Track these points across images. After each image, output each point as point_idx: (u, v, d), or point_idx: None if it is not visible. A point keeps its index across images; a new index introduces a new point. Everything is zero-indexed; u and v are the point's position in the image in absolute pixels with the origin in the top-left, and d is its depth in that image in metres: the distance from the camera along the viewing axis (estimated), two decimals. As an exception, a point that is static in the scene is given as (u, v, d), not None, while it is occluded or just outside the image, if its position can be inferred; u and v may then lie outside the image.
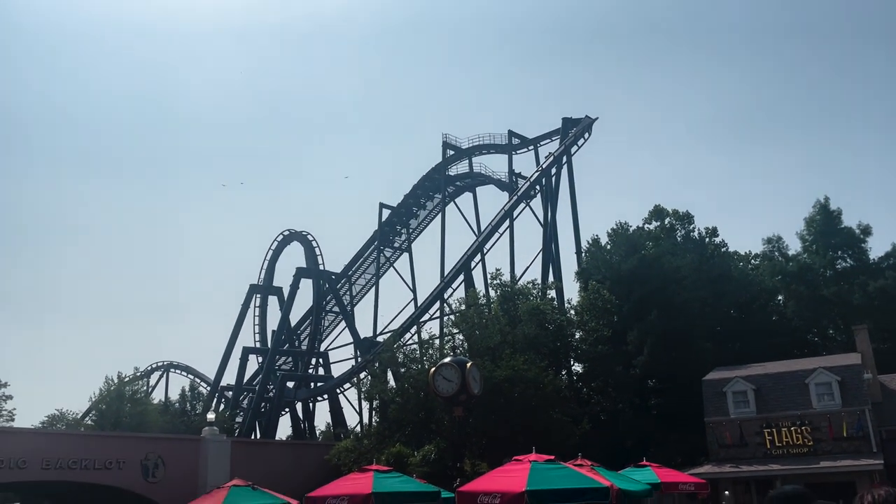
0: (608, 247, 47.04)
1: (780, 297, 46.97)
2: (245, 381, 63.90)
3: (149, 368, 73.31)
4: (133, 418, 51.14)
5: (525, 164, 78.06)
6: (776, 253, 48.54)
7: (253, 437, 57.57)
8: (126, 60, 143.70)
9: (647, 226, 48.14)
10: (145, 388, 68.09)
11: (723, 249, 47.49)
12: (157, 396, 68.42)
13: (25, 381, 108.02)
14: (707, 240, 47.34)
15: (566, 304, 47.68)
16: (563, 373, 42.34)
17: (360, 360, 59.98)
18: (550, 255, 56.97)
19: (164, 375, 74.46)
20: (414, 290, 67.27)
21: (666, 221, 48.29)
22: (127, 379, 55.87)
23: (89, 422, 55.49)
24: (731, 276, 44.55)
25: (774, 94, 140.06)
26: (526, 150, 65.62)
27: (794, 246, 48.64)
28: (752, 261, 49.20)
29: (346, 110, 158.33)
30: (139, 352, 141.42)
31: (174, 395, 68.86)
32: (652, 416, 38.99)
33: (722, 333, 41.94)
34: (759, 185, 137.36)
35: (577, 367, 44.04)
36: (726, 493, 28.87)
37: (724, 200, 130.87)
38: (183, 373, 74.60)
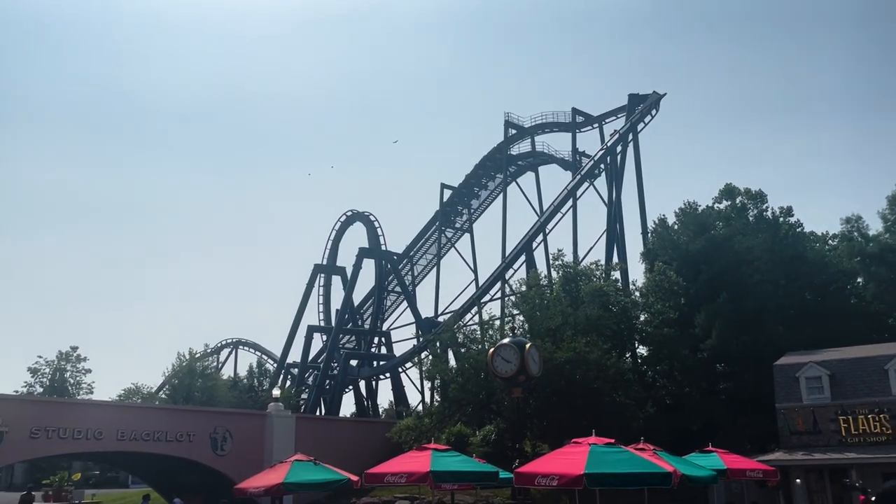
0: (675, 227, 45.62)
1: (859, 280, 44.68)
2: (310, 358, 65.26)
3: (219, 345, 75.75)
4: (203, 393, 52.96)
5: (589, 142, 76.71)
6: (855, 233, 46.12)
7: (317, 413, 58.82)
8: (203, 47, 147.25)
9: (716, 205, 46.43)
10: (215, 364, 70.43)
11: (798, 230, 45.40)
12: (227, 372, 70.77)
13: (104, 356, 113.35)
14: (781, 220, 45.32)
15: (631, 286, 46.60)
16: (627, 355, 41.49)
17: (421, 339, 60.36)
18: (615, 236, 55.82)
19: (233, 352, 76.83)
20: (475, 271, 67.19)
21: (737, 201, 46.42)
22: (198, 355, 57.89)
23: (163, 396, 57.75)
24: (806, 258, 42.60)
25: (852, 70, 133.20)
26: (590, 128, 64.28)
27: (874, 226, 46.16)
28: (830, 241, 46.90)
29: (408, 91, 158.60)
30: (210, 329, 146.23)
31: (242, 372, 71.04)
32: (720, 400, 37.83)
33: (795, 317, 40.19)
34: (838, 163, 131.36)
35: (642, 350, 43.10)
36: (798, 481, 27.80)
37: (799, 179, 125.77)
38: (251, 350, 76.79)
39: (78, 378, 58.98)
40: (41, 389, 56.60)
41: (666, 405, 37.32)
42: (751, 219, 45.47)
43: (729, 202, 46.51)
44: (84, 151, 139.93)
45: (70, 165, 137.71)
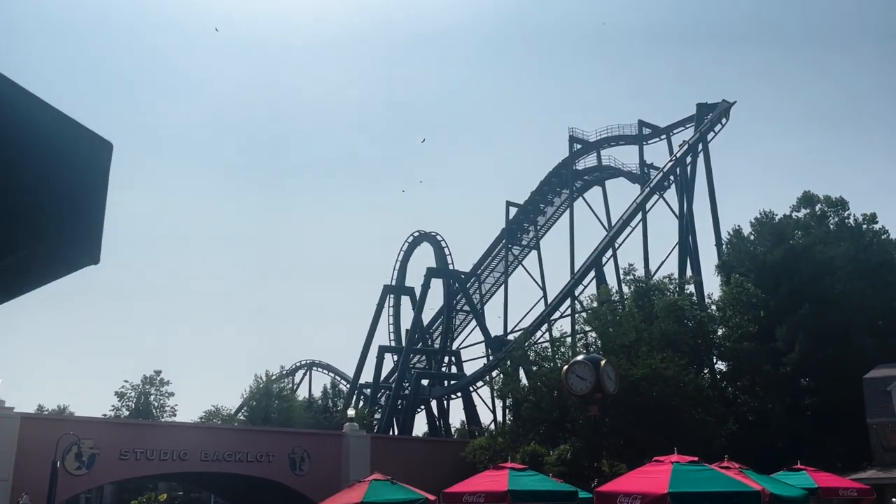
0: (751, 238, 44.37)
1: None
2: (382, 378, 65.89)
3: (294, 367, 77.31)
4: (280, 414, 54.08)
5: (657, 154, 75.29)
6: (947, 239, 43.81)
7: (391, 433, 59.26)
8: (272, 69, 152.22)
9: (794, 214, 44.91)
10: (290, 385, 71.84)
11: (883, 237, 43.46)
12: (302, 393, 72.10)
13: (185, 379, 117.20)
14: (864, 227, 43.48)
15: (706, 300, 45.48)
16: (705, 371, 40.40)
17: (491, 358, 60.18)
18: (687, 249, 54.56)
19: (308, 373, 78.28)
20: (543, 288, 66.68)
21: (817, 209, 44.78)
22: (274, 377, 59.19)
23: (241, 417, 59.25)
24: (893, 265, 40.69)
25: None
26: (658, 139, 63.23)
27: (968, 230, 43.75)
28: (919, 248, 44.66)
29: (470, 109, 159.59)
30: (285, 351, 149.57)
31: (316, 392, 72.29)
32: (806, 416, 36.35)
33: (884, 328, 38.37)
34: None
35: (721, 366, 41.88)
36: (893, 500, 26.40)
37: (882, 184, 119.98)
38: (324, 371, 78.10)
39: (162, 401, 61.11)
40: (127, 413, 58.89)
41: (749, 422, 36.12)
42: (832, 227, 43.78)
43: (808, 210, 44.91)
44: (150, 177, 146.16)
45: (140, 191, 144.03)
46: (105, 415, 56.36)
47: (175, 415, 60.75)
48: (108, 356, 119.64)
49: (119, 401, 59.67)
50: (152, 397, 60.73)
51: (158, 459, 30.77)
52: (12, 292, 1.97)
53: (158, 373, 61.30)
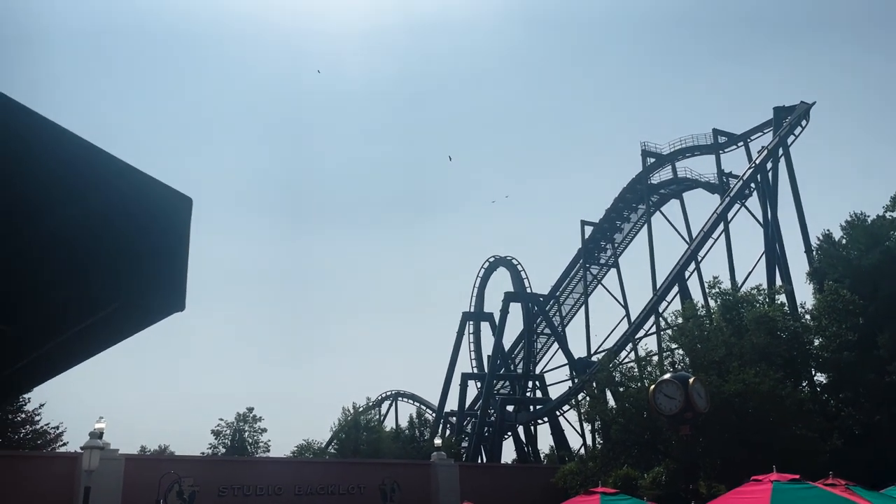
0: (843, 242, 42.38)
1: None
2: (466, 406, 65.77)
3: (379, 398, 78.10)
4: (369, 445, 54.64)
5: (735, 162, 73.04)
6: None
7: (478, 461, 58.92)
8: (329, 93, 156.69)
9: (889, 214, 42.65)
10: (377, 416, 72.53)
11: None
12: (389, 424, 72.66)
13: (276, 414, 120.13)
14: (967, 221, 40.86)
15: (799, 309, 43.58)
16: (804, 384, 38.54)
17: (576, 380, 59.21)
18: (775, 257, 52.51)
19: (393, 404, 78.91)
20: (626, 306, 65.40)
21: (912, 206, 42.45)
22: (361, 409, 59.95)
23: (332, 450, 60.18)
24: None
25: None
26: (735, 147, 61.46)
27: None
28: None
29: (539, 128, 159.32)
30: (370, 383, 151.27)
31: (403, 422, 72.68)
32: (918, 428, 34.07)
33: None
34: None
35: (820, 378, 39.88)
36: None
37: None
38: (409, 401, 78.56)
39: (255, 437, 62.76)
40: (224, 450, 60.71)
41: (854, 436, 34.16)
42: (931, 224, 41.32)
43: (902, 209, 42.57)
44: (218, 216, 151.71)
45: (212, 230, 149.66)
46: (203, 453, 58.32)
47: (269, 450, 62.24)
48: (204, 396, 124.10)
49: (215, 438, 61.62)
50: (246, 434, 62.46)
51: (255, 494, 31.59)
52: (112, 339, 2.17)
53: (251, 409, 63.08)
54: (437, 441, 45.39)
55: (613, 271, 68.13)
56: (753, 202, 56.14)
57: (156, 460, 39.92)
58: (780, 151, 55.41)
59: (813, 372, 39.88)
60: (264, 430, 62.91)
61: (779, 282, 49.94)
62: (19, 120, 1.59)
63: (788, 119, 56.35)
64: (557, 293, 70.31)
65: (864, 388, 35.65)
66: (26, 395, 34.97)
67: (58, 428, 38.92)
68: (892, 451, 31.83)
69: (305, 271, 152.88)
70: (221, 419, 62.15)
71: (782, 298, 44.42)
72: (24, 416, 37.28)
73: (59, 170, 1.65)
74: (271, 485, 31.99)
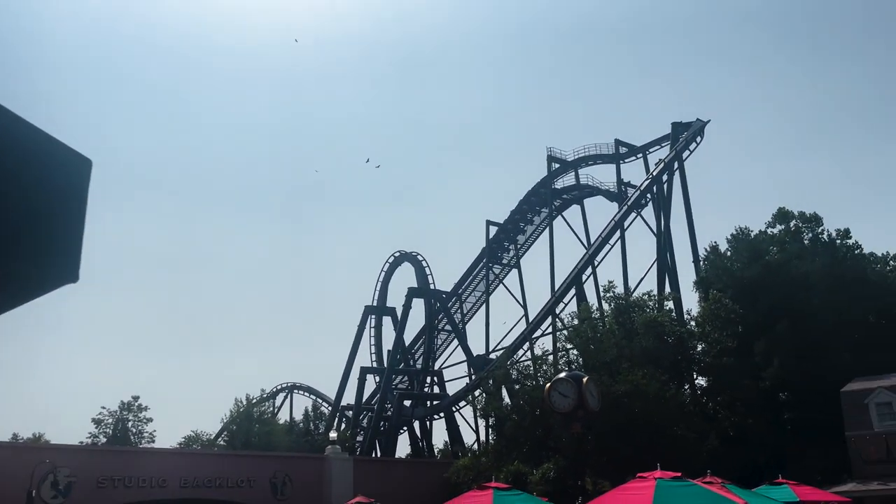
0: (728, 254, 44.86)
1: (925, 300, 43.01)
2: (364, 400, 65.38)
3: (274, 390, 76.39)
4: (261, 438, 53.37)
5: (634, 172, 76.04)
6: (919, 252, 44.59)
7: (373, 455, 58.70)
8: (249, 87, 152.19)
9: (770, 230, 45.52)
10: (271, 408, 70.97)
11: (857, 252, 44.15)
12: (283, 417, 71.22)
13: (163, 404, 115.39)
14: (839, 242, 44.16)
15: (686, 316, 45.83)
16: (686, 387, 40.61)
17: (473, 377, 60.02)
18: (666, 265, 55.04)
19: (289, 396, 77.40)
20: (525, 306, 66.77)
21: (791, 225, 45.45)
22: (255, 400, 58.42)
23: (221, 442, 58.36)
24: (868, 280, 41.28)
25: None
26: (634, 158, 63.99)
27: (939, 243, 44.63)
28: (892, 262, 45.39)
29: (449, 129, 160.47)
30: (265, 374, 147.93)
31: (298, 416, 71.45)
32: (786, 431, 36.62)
33: (861, 342, 38.84)
34: (893, 181, 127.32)
35: (701, 381, 42.13)
36: (875, 513, 26.61)
37: (856, 200, 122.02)
38: (305, 393, 77.30)
39: (140, 427, 60.08)
40: (105, 440, 57.80)
41: (730, 437, 36.28)
42: (806, 243, 44.42)
43: (783, 226, 45.55)
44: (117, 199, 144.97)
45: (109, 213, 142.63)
46: (82, 442, 55.30)
47: (154, 441, 59.75)
48: (84, 382, 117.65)
49: (96, 427, 58.59)
50: (130, 423, 59.71)
51: (137, 486, 30.20)
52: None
53: (136, 398, 60.29)
54: (333, 434, 44.93)
55: (515, 271, 69.45)
56: (649, 212, 58.67)
57: (29, 448, 37.47)
58: (676, 165, 58.11)
59: (695, 376, 42.03)
60: (150, 420, 60.28)
61: (668, 289, 52.43)
62: None
63: (685, 135, 59.14)
64: (460, 290, 71.01)
65: (740, 393, 37.92)
66: None
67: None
68: (763, 452, 34.06)
69: (204, 258, 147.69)
70: (104, 407, 59.15)
71: (671, 305, 46.65)
72: None
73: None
74: (155, 477, 30.69)
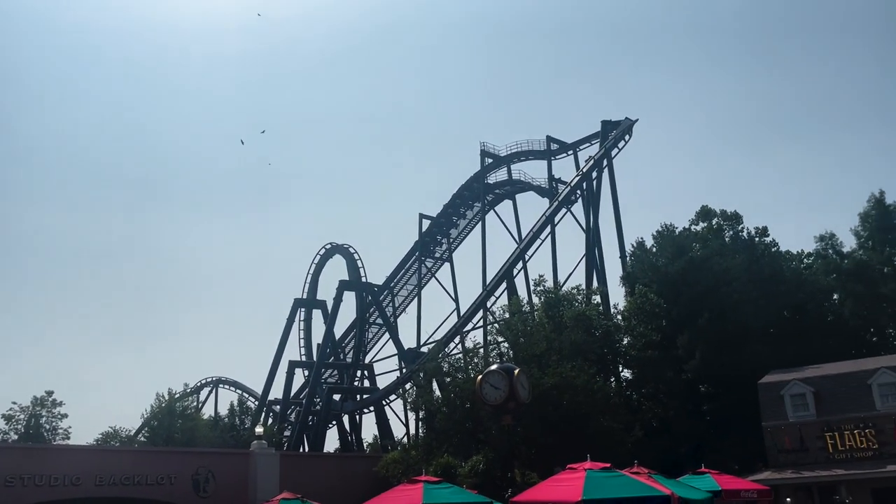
0: (654, 250, 46.04)
1: (835, 297, 45.32)
2: (292, 394, 64.34)
3: (198, 384, 74.32)
4: (184, 434, 51.73)
5: (565, 169, 77.39)
6: (830, 251, 46.86)
7: (301, 450, 57.80)
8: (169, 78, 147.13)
9: (693, 227, 46.99)
10: (195, 403, 68.93)
11: (773, 249, 46.09)
12: (207, 412, 69.33)
13: (80, 399, 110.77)
14: (757, 240, 45.98)
15: (612, 310, 46.84)
16: (612, 379, 41.48)
17: (404, 371, 59.86)
18: (594, 261, 56.12)
19: (214, 391, 75.48)
20: (456, 300, 67.02)
21: (713, 222, 47.04)
22: (177, 395, 56.55)
23: (142, 438, 56.30)
24: (783, 277, 43.14)
25: (822, 90, 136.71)
26: (565, 154, 65.02)
27: (848, 243, 46.99)
28: (805, 260, 47.61)
29: (383, 122, 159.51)
30: (189, 369, 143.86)
31: (223, 410, 69.64)
32: (706, 421, 37.87)
33: (776, 335, 40.59)
34: (810, 183, 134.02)
35: (627, 374, 43.15)
36: (788, 500, 27.79)
37: (773, 200, 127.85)
38: (231, 388, 75.52)
39: (54, 423, 57.36)
40: (16, 437, 55.00)
41: (653, 428, 37.27)
42: (727, 240, 46.04)
43: (705, 224, 47.08)
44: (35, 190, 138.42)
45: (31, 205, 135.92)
46: (-11, 440, 52.43)
47: (69, 438, 57.21)
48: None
49: (6, 424, 55.70)
50: (43, 419, 56.99)
51: (48, 485, 28.71)
52: None
53: (50, 393, 57.52)
54: (259, 429, 43.90)
55: (447, 265, 69.63)
56: (578, 208, 59.71)
57: (-72, 448, 35.20)
58: (605, 162, 59.29)
59: (621, 368, 43.02)
60: (65, 416, 57.63)
61: (596, 283, 53.49)
62: None
63: (614, 133, 60.39)
64: (392, 284, 70.69)
65: (664, 385, 39.02)
66: None
67: None
68: (685, 442, 35.15)
69: (126, 250, 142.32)
70: (14, 402, 56.24)
71: (598, 299, 47.54)
72: None
73: None
74: (68, 475, 29.24)
